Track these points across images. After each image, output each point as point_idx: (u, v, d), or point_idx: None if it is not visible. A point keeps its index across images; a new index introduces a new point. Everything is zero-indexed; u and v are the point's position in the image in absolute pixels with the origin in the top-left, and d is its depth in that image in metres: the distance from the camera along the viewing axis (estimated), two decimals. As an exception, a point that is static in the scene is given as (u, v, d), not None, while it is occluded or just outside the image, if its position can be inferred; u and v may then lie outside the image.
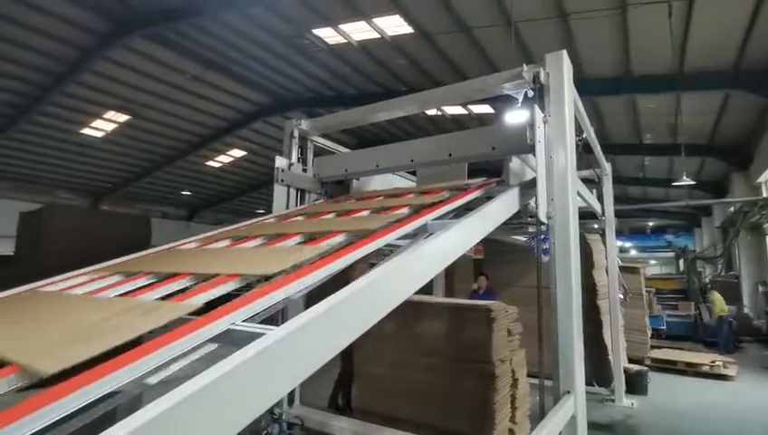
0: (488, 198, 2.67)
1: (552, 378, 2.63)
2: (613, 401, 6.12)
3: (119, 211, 17.57)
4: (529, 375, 3.90)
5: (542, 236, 2.89)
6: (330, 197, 3.89)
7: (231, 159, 19.22)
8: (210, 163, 19.41)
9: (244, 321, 1.21)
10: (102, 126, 14.91)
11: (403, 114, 4.10)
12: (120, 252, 2.35)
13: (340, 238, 1.85)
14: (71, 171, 18.14)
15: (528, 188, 2.87)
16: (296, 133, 3.84)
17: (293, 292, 1.40)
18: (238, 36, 10.83)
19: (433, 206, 2.42)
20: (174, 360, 1.05)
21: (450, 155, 3.37)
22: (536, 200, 2.73)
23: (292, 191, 3.67)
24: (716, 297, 11.64)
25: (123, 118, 14.54)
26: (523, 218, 3.98)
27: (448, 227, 1.91)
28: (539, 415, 2.49)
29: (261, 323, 1.93)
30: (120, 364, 0.95)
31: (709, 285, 13.99)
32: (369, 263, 2.24)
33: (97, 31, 10.32)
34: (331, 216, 2.71)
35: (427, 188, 3.32)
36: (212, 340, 1.12)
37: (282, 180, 3.58)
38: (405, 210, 2.39)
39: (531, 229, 4.82)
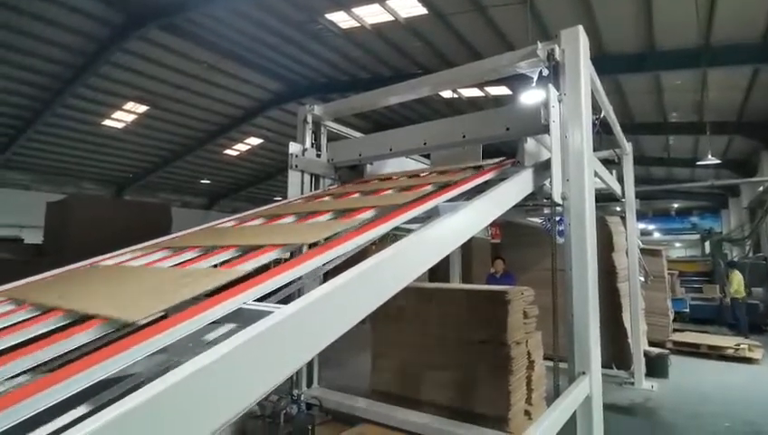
0: (502, 179, 2.64)
1: (567, 360, 2.62)
2: (633, 383, 6.06)
3: (140, 201, 18.00)
4: (547, 358, 3.89)
5: (558, 218, 2.86)
6: (343, 182, 3.90)
7: (248, 147, 19.39)
8: (228, 152, 19.62)
9: (255, 300, 1.24)
10: (123, 117, 15.21)
11: (416, 97, 4.04)
12: (141, 240, 2.42)
13: (274, 254, 1.61)
14: (94, 162, 18.59)
15: (543, 168, 2.81)
16: (309, 119, 3.84)
17: (304, 272, 1.42)
18: (251, 24, 10.82)
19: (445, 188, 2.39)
20: (183, 339, 1.07)
21: (464, 137, 3.32)
22: (551, 181, 2.69)
23: (307, 177, 3.69)
24: (736, 278, 10.98)
25: (142, 109, 14.80)
26: (538, 200, 3.93)
27: (458, 209, 1.90)
28: (554, 396, 2.49)
29: (278, 302, 1.96)
30: (131, 344, 0.98)
31: (736, 263, 13.38)
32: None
33: (112, 22, 10.46)
34: (290, 219, 2.34)
35: (407, 184, 2.92)
36: (223, 319, 1.15)
37: (296, 166, 3.59)
38: (369, 213, 2.02)
39: (546, 211, 4.75)
